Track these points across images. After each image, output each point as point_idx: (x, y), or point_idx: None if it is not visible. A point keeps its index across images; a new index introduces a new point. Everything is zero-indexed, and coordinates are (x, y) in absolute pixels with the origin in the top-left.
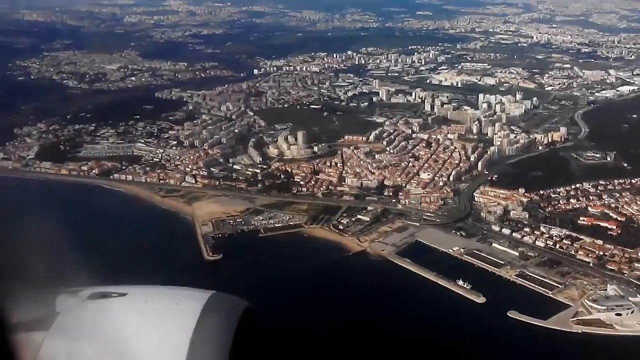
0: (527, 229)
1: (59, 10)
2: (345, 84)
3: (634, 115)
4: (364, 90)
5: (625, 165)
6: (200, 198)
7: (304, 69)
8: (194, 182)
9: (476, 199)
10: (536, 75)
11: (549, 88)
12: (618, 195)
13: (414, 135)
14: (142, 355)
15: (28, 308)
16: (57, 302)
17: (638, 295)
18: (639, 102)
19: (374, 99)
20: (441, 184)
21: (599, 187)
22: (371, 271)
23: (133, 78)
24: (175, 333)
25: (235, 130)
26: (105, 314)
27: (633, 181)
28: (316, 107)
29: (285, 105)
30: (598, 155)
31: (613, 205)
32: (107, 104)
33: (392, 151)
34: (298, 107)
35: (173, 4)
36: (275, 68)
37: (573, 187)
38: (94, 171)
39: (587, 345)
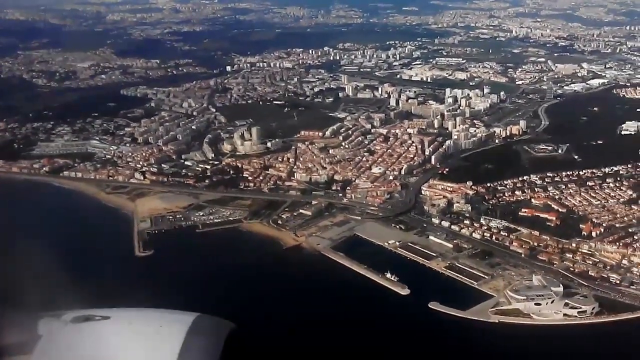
0: (467, 222)
1: (44, 9)
2: (315, 79)
3: (595, 108)
4: (332, 86)
5: (575, 157)
6: (145, 194)
7: (278, 65)
8: (142, 178)
9: (423, 192)
10: (509, 70)
11: (520, 82)
12: (563, 187)
13: (372, 130)
14: None
15: (10, 331)
16: (39, 325)
17: (560, 286)
18: (605, 94)
19: (340, 94)
20: (391, 178)
21: (546, 179)
22: (301, 265)
23: (103, 76)
24: (160, 356)
25: (193, 127)
26: (89, 338)
27: (581, 173)
28: (279, 103)
29: (249, 102)
30: (550, 147)
31: (557, 197)
32: (71, 102)
33: (347, 146)
34: (261, 103)
35: (159, 2)
36: (248, 64)
37: (520, 179)
38: (44, 169)
39: (501, 334)
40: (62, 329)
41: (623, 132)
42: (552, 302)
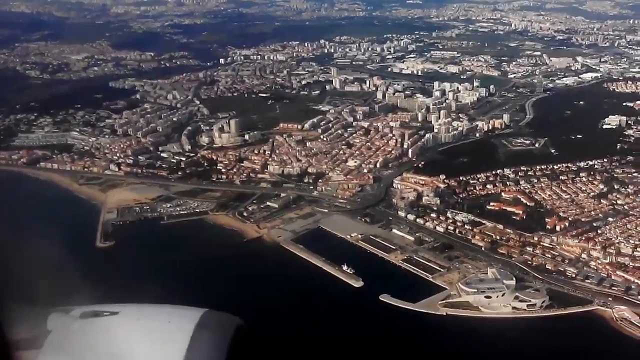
0: (433, 215)
1: (50, 1)
2: (305, 72)
3: (580, 102)
4: (320, 79)
5: (552, 151)
6: (118, 185)
7: (272, 57)
8: (117, 170)
9: (394, 185)
10: (503, 63)
11: (512, 75)
12: (536, 180)
13: (354, 123)
14: None
15: (20, 326)
16: (48, 320)
17: (514, 279)
18: (595, 88)
19: (327, 87)
20: (366, 171)
21: (519, 173)
22: (257, 258)
23: (96, 68)
24: (168, 351)
25: (174, 119)
26: (98, 333)
27: (555, 167)
28: (265, 95)
29: (235, 94)
30: (527, 141)
31: (527, 191)
32: (59, 93)
33: (325, 139)
34: (247, 95)
35: None
36: (243, 57)
37: (493, 173)
38: (22, 160)
39: (447, 327)
40: (71, 325)
41: (604, 127)
42: (502, 295)
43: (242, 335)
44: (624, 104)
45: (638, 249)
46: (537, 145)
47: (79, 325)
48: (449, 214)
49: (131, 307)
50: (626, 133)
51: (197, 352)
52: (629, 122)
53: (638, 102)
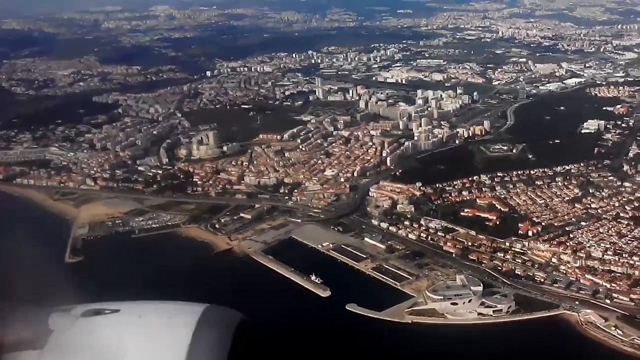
0: (406, 223)
1: (43, 18)
2: (290, 83)
3: (561, 108)
4: (304, 90)
5: (530, 156)
6: (92, 200)
7: (259, 69)
8: (93, 184)
9: (370, 194)
10: (489, 70)
11: (496, 82)
12: (511, 186)
13: (334, 133)
14: None
15: (21, 327)
16: (50, 320)
17: (481, 285)
18: (578, 94)
19: (311, 97)
20: (343, 180)
21: (496, 179)
22: (225, 270)
23: (81, 83)
24: (171, 348)
25: (154, 132)
26: (99, 331)
27: (532, 172)
28: (247, 107)
29: (218, 106)
30: (505, 147)
31: (502, 197)
32: (42, 109)
33: (304, 149)
34: (229, 107)
35: (159, 9)
36: (229, 69)
37: (470, 179)
38: None
39: (411, 335)
40: (73, 324)
41: (583, 131)
42: (469, 301)
43: (246, 330)
44: (604, 108)
45: (608, 253)
46: (514, 151)
47: (81, 323)
48: (422, 222)
49: (132, 304)
50: (604, 137)
51: (200, 348)
52: (608, 126)
53: (618, 106)
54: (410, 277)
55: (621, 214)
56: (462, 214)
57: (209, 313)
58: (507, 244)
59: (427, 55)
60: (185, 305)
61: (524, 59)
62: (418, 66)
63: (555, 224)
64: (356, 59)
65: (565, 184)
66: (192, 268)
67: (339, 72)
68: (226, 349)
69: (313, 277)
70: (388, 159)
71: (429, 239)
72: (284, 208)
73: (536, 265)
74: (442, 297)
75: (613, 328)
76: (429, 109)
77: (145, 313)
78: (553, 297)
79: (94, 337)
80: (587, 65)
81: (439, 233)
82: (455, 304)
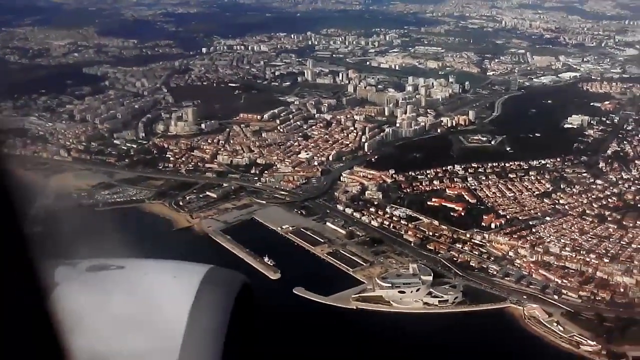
0: (372, 209)
1: None
2: (282, 64)
3: (549, 101)
4: (294, 71)
5: (507, 149)
6: (63, 172)
7: (255, 48)
8: (67, 155)
9: (342, 179)
10: (485, 60)
11: (491, 73)
12: (484, 178)
13: (316, 115)
14: (142, 326)
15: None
16: (56, 273)
17: (431, 274)
18: (570, 88)
19: (299, 79)
20: (316, 163)
21: (469, 170)
22: (182, 247)
23: (76, 54)
24: (175, 305)
25: (136, 106)
26: (105, 286)
27: (507, 165)
28: (234, 85)
29: (205, 83)
30: (484, 138)
31: (472, 188)
32: (30, 78)
33: (282, 130)
34: (216, 85)
35: None
36: (226, 47)
37: (443, 169)
38: None
39: (354, 320)
40: (79, 277)
41: (566, 126)
42: (417, 290)
43: (248, 291)
44: (592, 104)
45: (566, 249)
46: (493, 142)
47: (86, 278)
48: (387, 209)
49: (136, 261)
50: (586, 133)
51: (203, 306)
52: (592, 122)
53: (606, 102)
54: (364, 264)
55: (587, 211)
56: (429, 203)
57: (212, 273)
58: (468, 235)
59: (426, 42)
60: (189, 264)
61: (523, 51)
62: (415, 53)
63: (520, 218)
64: (354, 42)
65: (538, 178)
66: (146, 244)
67: (334, 55)
68: (229, 308)
69: (266, 259)
70: (366, 144)
71: (391, 226)
72: (252, 189)
73: (492, 258)
74: (390, 285)
75: (555, 324)
76: (417, 96)
77: (149, 270)
78: (502, 290)
79: (98, 291)
80: (585, 59)
81: (402, 221)
82: (403, 292)
